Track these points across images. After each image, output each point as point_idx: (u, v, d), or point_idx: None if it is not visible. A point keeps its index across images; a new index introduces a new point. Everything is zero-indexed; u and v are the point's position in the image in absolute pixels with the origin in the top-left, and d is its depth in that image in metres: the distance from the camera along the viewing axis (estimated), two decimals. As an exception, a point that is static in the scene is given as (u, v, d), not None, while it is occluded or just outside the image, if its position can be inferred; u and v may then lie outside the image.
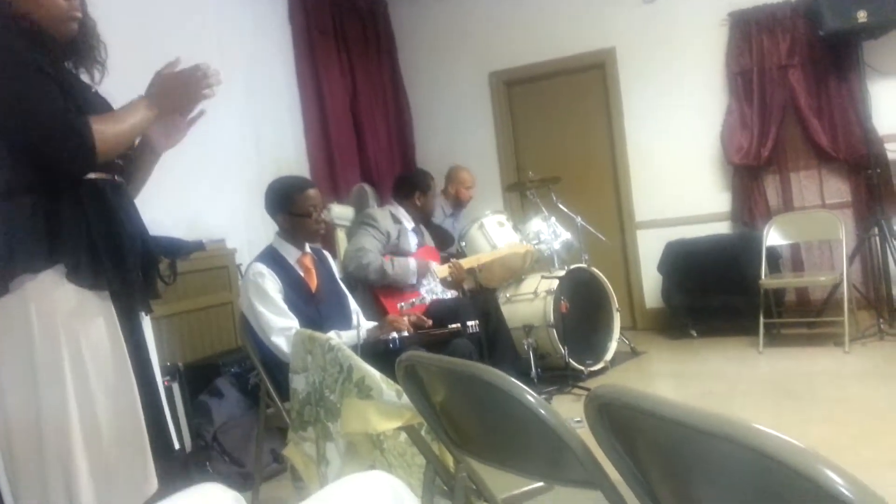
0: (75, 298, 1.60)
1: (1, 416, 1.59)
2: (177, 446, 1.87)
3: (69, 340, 1.58)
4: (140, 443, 1.67)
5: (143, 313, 1.81)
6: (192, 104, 1.82)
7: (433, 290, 3.84)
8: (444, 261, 4.17)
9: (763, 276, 4.71)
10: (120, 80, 1.86)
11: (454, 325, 3.02)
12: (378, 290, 3.72)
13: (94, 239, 1.63)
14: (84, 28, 1.77)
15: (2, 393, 1.58)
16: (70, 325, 1.59)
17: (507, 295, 4.65)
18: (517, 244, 4.58)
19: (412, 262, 3.80)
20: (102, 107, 1.77)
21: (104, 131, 1.62)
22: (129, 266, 1.70)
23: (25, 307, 1.57)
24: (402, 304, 3.42)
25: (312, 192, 2.93)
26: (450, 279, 3.94)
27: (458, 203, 5.34)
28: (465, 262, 4.21)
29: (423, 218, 4.17)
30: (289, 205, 2.88)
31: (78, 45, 1.77)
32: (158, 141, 1.88)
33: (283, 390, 2.56)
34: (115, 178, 1.75)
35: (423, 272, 3.83)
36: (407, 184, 4.16)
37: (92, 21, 1.81)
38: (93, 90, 1.80)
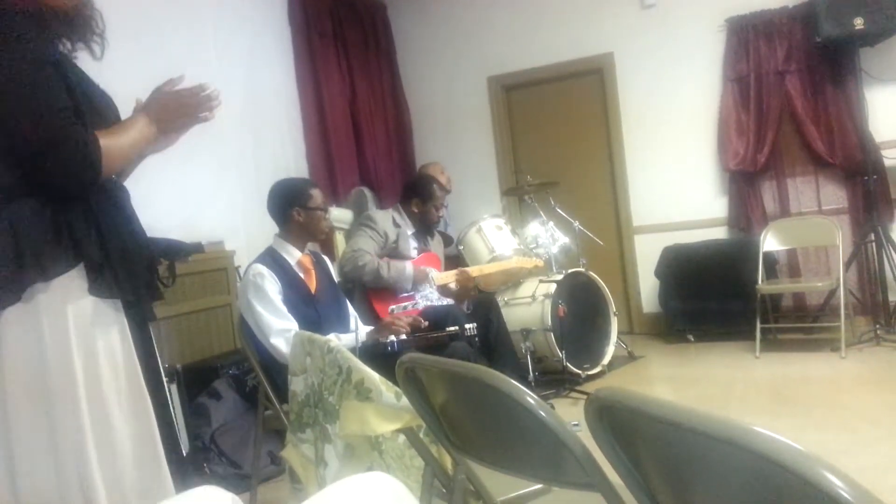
0: (90, 309, 1.52)
1: (13, 431, 1.50)
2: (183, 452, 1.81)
3: (84, 353, 1.51)
4: (156, 456, 1.61)
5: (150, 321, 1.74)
6: (189, 125, 1.75)
7: (428, 296, 3.81)
8: (448, 267, 4.14)
9: (760, 282, 4.72)
10: (119, 84, 1.83)
11: (452, 328, 3.03)
12: (371, 294, 3.71)
13: (105, 243, 1.55)
14: None
15: (13, 407, 1.50)
16: (85, 337, 1.51)
17: (505, 299, 4.65)
18: (526, 259, 4.54)
19: (409, 268, 3.76)
20: (107, 103, 1.70)
21: (110, 147, 1.53)
22: (139, 273, 1.64)
23: (37, 319, 1.48)
24: (394, 306, 3.39)
25: (320, 191, 3.03)
26: (455, 287, 3.88)
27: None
28: (474, 271, 4.14)
29: (423, 226, 4.05)
30: (306, 199, 2.92)
31: (71, 15, 1.65)
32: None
33: (282, 392, 2.56)
34: (114, 176, 1.70)
35: (419, 279, 3.77)
36: (408, 189, 4.11)
37: None
38: (95, 83, 1.72)
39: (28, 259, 1.47)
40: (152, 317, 1.76)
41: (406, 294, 3.74)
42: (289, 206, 2.92)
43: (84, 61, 1.72)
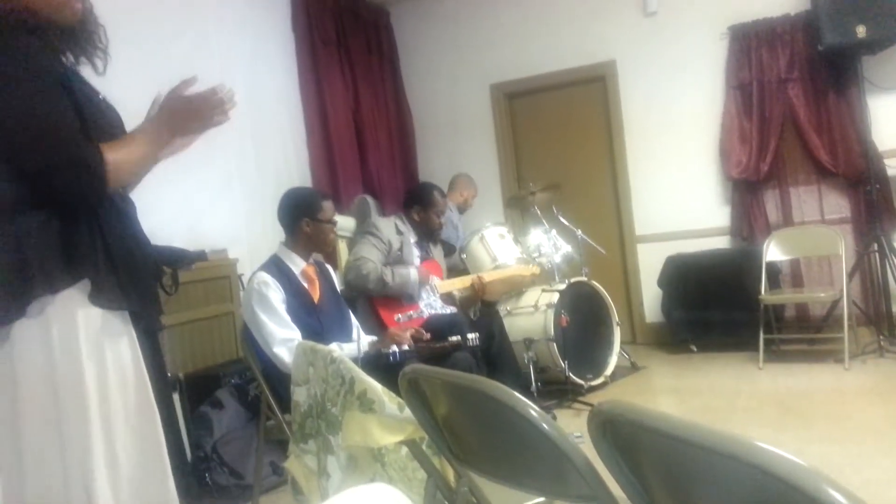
0: (98, 320, 1.52)
1: (23, 440, 1.50)
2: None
3: (93, 364, 1.51)
4: (162, 468, 1.61)
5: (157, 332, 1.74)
6: (203, 129, 1.74)
7: (432, 304, 3.81)
8: (448, 276, 4.13)
9: (763, 292, 4.71)
10: (121, 93, 1.83)
11: (454, 338, 3.02)
12: (377, 303, 3.70)
13: (111, 255, 1.55)
14: (83, 11, 1.66)
15: (24, 417, 1.50)
16: (94, 348, 1.51)
17: (508, 308, 4.64)
18: (523, 266, 4.52)
19: (413, 273, 3.76)
20: (111, 116, 1.70)
21: (117, 163, 1.53)
22: (145, 285, 1.64)
23: (46, 331, 1.48)
24: (399, 315, 3.39)
25: (332, 205, 3.05)
26: (459, 294, 3.87)
27: (463, 209, 5.43)
28: (485, 276, 4.12)
29: (426, 234, 4.05)
30: (316, 211, 2.94)
31: (76, 31, 1.64)
32: None
33: (284, 402, 2.56)
34: (121, 189, 1.70)
35: (423, 281, 3.78)
36: (409, 196, 4.12)
37: (89, 2, 1.68)
38: (101, 96, 1.71)
39: (35, 272, 1.47)
40: (159, 327, 1.76)
41: (411, 303, 3.73)
42: (299, 215, 2.93)
43: (86, 72, 1.73)
